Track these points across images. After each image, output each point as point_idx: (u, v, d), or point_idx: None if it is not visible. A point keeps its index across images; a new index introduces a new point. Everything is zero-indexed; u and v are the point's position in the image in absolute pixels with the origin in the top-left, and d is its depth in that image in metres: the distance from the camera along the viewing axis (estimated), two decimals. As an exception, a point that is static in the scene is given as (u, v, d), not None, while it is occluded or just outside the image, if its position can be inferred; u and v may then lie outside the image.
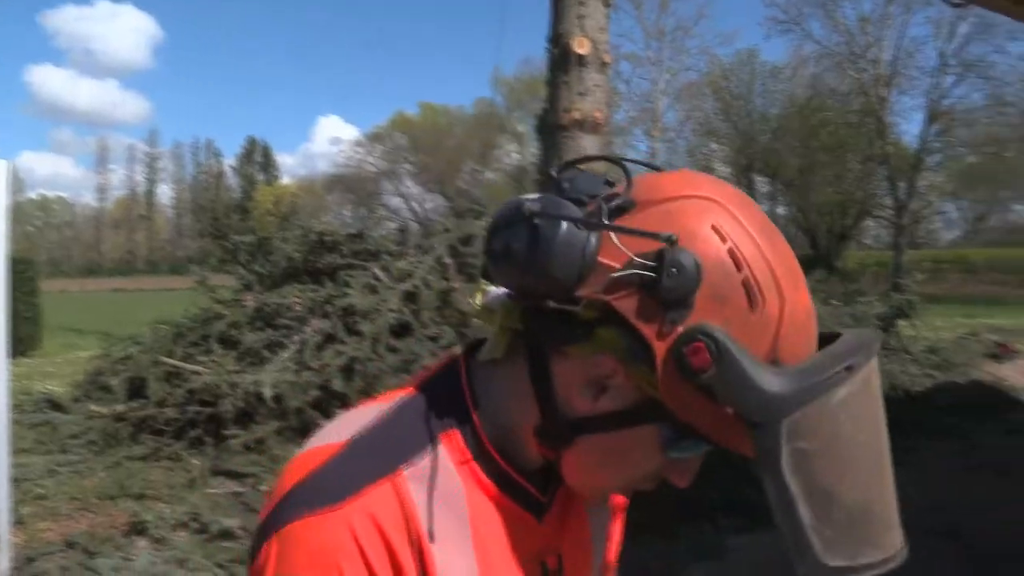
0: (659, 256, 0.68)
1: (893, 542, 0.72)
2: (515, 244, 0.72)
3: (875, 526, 0.71)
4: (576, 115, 9.79)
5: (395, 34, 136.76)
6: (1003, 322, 18.67)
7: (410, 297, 6.84)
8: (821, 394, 0.66)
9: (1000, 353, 12.99)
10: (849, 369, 0.68)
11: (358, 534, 0.71)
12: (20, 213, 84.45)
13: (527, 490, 0.82)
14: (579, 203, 0.74)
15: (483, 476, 0.79)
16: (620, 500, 1.02)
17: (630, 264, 0.69)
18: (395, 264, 7.18)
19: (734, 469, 5.59)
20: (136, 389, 7.24)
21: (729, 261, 0.69)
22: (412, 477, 0.75)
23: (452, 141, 63.51)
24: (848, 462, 0.69)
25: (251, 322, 7.20)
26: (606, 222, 0.71)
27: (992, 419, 8.22)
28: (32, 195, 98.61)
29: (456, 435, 0.79)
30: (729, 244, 0.69)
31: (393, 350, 6.49)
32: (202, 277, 8.17)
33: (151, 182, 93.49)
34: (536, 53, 52.74)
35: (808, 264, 33.37)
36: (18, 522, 5.12)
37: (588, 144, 9.99)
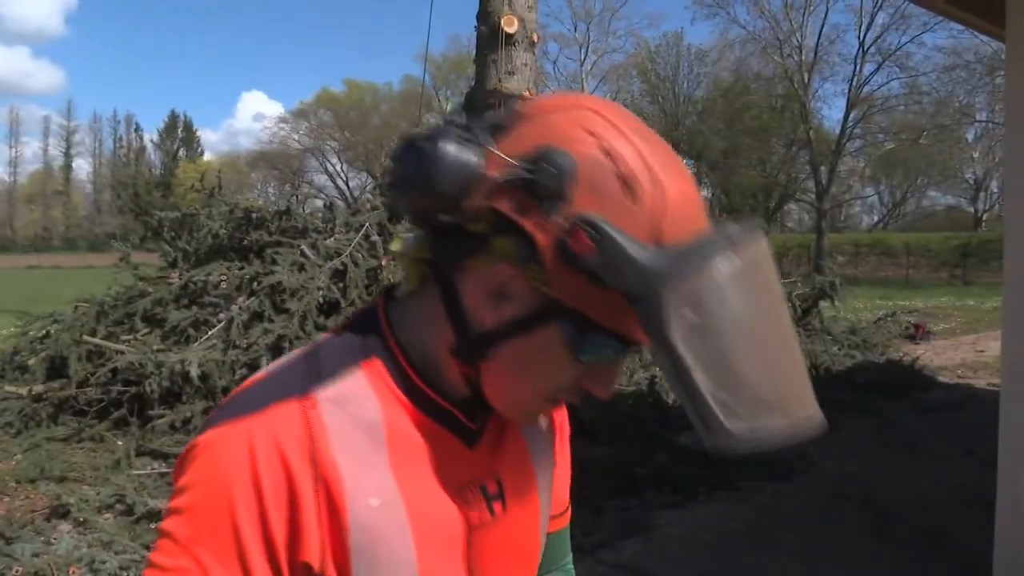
0: (536, 158, 0.71)
1: (802, 410, 0.72)
2: (405, 170, 0.75)
3: (778, 397, 0.71)
4: (504, 93, 9.80)
5: (321, 9, 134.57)
6: (919, 304, 19.30)
7: (338, 275, 6.79)
8: (700, 264, 0.68)
9: (915, 334, 13.46)
10: (729, 241, 0.70)
11: (256, 450, 0.74)
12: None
13: (454, 415, 0.83)
14: (468, 129, 0.77)
15: (407, 402, 0.81)
16: (560, 424, 1.03)
17: (509, 169, 0.72)
18: (323, 242, 7.11)
19: (661, 445, 5.71)
20: (56, 369, 7.05)
21: (602, 155, 0.71)
22: (324, 400, 0.77)
23: (378, 119, 62.94)
24: (743, 336, 0.70)
25: (176, 300, 7.07)
26: (488, 136, 0.75)
27: (907, 398, 8.53)
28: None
29: (377, 363, 0.81)
30: (602, 142, 0.72)
31: (322, 328, 6.44)
32: (125, 253, 7.98)
33: (68, 156, 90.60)
34: (464, 30, 52.59)
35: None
36: (-69, 506, 4.98)
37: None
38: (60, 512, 4.87)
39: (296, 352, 0.84)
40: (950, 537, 4.63)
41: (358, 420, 0.77)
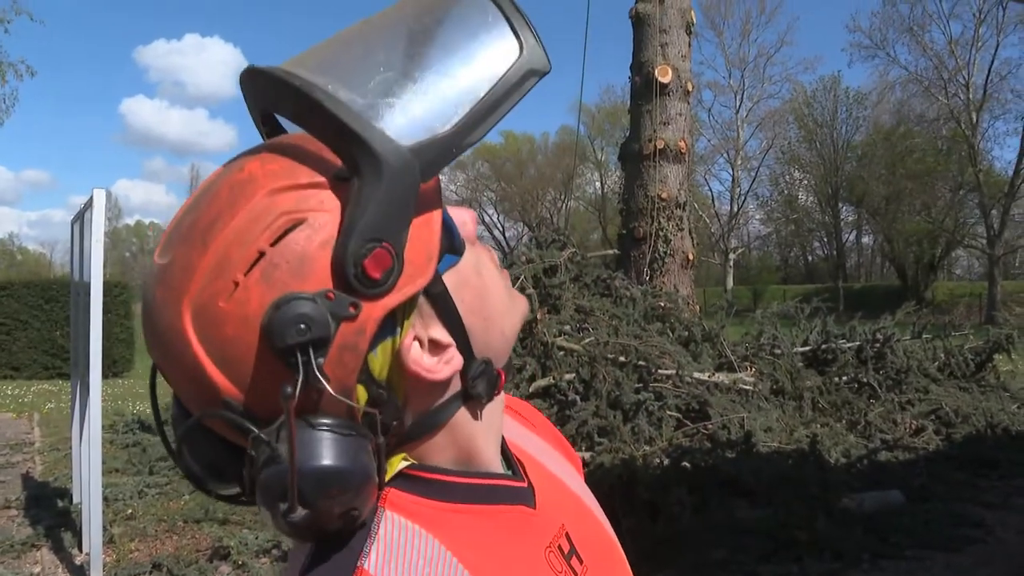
0: None
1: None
2: None
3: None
4: (659, 144, 9.74)
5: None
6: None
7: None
8: None
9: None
10: None
11: None
12: (116, 239, 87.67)
13: (501, 487, 0.74)
14: None
15: (448, 505, 0.70)
16: (577, 460, 0.97)
17: None
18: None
19: (822, 508, 5.44)
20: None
21: None
22: (375, 567, 0.63)
23: (534, 169, 63.89)
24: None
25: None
26: None
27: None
28: (128, 221, 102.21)
29: (394, 491, 0.68)
30: None
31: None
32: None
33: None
34: (618, 80, 52.82)
35: (896, 295, 32.51)
36: (109, 541, 5.25)
37: (671, 173, 9.93)
38: (221, 554, 5.05)
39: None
40: None
41: (421, 562, 0.64)
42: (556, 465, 0.87)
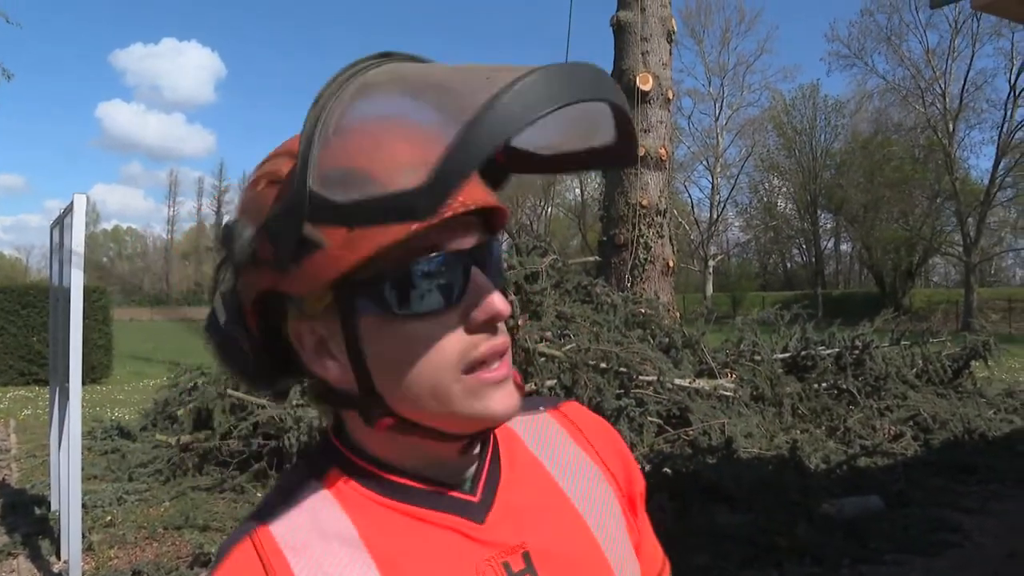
0: None
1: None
2: None
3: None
4: (640, 151, 9.78)
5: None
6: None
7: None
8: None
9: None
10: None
11: None
12: (94, 244, 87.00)
13: (444, 495, 0.78)
14: None
15: (382, 498, 0.76)
16: (621, 471, 0.93)
17: None
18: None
19: (802, 513, 5.47)
20: (202, 420, 7.33)
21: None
22: (277, 527, 0.74)
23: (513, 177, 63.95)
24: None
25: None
26: None
27: (1074, 466, 7.91)
28: (106, 226, 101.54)
29: (335, 472, 0.78)
30: None
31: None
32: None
33: (219, 214, 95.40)
34: (598, 88, 52.84)
35: (874, 302, 32.73)
36: (88, 549, 5.20)
37: (652, 180, 9.97)
38: (202, 560, 5.02)
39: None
40: None
41: (322, 534, 0.74)
42: (580, 485, 0.87)
